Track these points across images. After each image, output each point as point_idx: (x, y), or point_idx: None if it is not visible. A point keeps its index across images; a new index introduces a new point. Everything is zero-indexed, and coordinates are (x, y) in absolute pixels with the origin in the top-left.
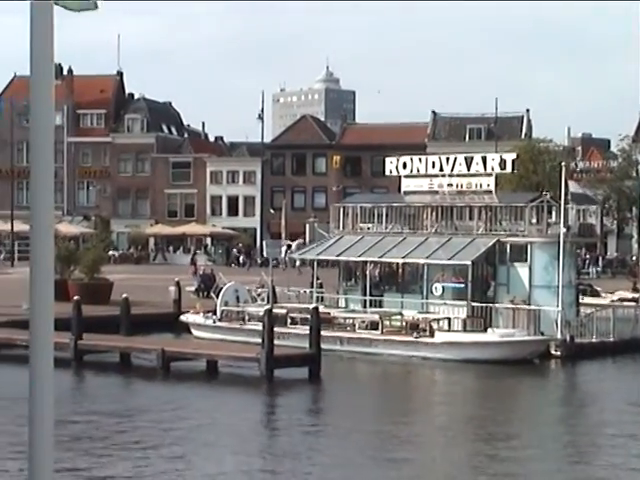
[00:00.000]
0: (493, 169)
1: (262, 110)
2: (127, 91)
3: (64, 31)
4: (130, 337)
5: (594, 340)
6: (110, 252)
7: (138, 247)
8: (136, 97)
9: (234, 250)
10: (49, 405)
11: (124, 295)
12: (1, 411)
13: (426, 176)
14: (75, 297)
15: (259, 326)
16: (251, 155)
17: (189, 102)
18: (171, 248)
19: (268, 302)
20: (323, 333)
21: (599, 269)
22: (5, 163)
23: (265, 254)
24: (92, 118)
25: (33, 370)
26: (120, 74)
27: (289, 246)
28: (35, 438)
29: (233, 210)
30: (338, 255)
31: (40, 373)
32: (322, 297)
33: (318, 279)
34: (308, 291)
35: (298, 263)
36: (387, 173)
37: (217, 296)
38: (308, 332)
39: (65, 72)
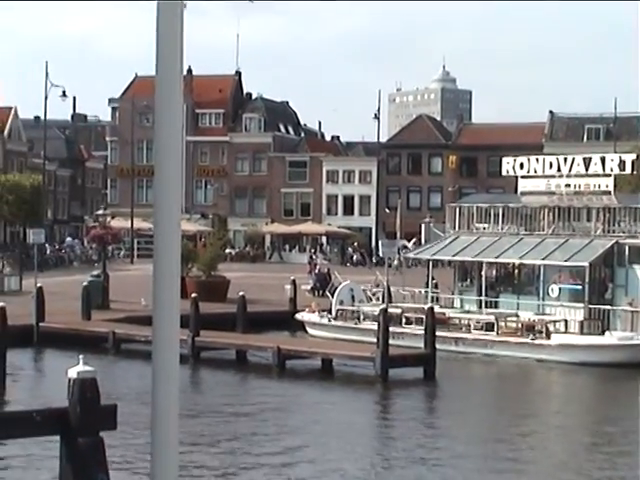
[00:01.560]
0: (612, 170)
1: (378, 110)
2: (245, 91)
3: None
4: (246, 334)
5: None
6: (227, 250)
7: (254, 245)
8: (254, 97)
9: (349, 249)
10: (174, 402)
11: (240, 293)
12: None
13: (543, 177)
14: (193, 294)
15: (374, 325)
16: (367, 155)
17: (306, 102)
18: (287, 247)
19: (383, 302)
20: (438, 333)
21: None
22: (126, 162)
23: (380, 254)
24: (210, 117)
25: (157, 367)
26: (238, 74)
27: (405, 246)
28: (159, 433)
29: (349, 209)
30: (454, 255)
31: (164, 371)
32: (437, 297)
33: (433, 279)
34: (423, 291)
35: (396, 262)
36: (504, 173)
37: (332, 295)
38: (423, 332)
39: (185, 72)
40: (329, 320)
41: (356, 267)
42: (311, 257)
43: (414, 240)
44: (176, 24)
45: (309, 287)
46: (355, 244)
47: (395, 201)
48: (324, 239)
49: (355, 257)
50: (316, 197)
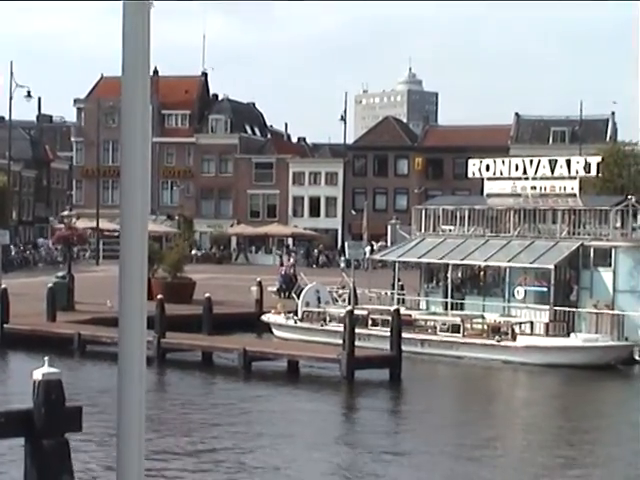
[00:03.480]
0: (577, 172)
1: (345, 111)
2: (211, 92)
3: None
4: (212, 336)
5: None
6: (193, 251)
7: (220, 247)
8: (220, 98)
9: (315, 251)
10: (141, 404)
11: (206, 294)
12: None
13: (509, 179)
14: (158, 296)
15: (340, 327)
16: (333, 156)
17: (272, 103)
18: (253, 248)
19: (349, 303)
20: (404, 335)
21: None
22: (91, 162)
23: (347, 255)
24: (176, 118)
25: (123, 369)
26: (205, 75)
27: (372, 247)
28: (125, 436)
29: (315, 211)
30: (420, 257)
31: (130, 373)
32: (403, 299)
33: (399, 281)
34: (389, 293)
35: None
36: (470, 175)
37: (298, 297)
38: (389, 334)
39: (151, 73)
40: (295, 322)
41: (322, 269)
42: (281, 257)
43: (381, 242)
44: (143, 24)
45: (275, 289)
46: (321, 246)
47: (361, 203)
48: (290, 241)
49: (321, 259)
50: (282, 198)
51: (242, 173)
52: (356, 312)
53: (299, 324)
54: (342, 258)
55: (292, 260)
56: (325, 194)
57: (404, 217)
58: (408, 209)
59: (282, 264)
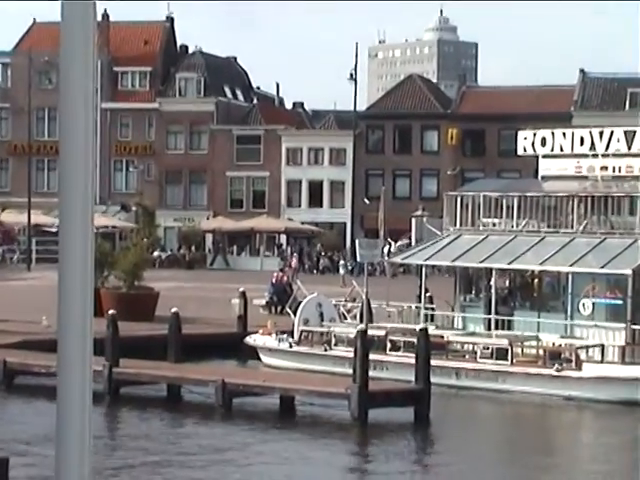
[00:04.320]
0: None
1: (355, 68)
2: (179, 43)
3: None
4: (180, 364)
5: None
6: (155, 253)
7: (191, 247)
8: (191, 50)
9: (315, 251)
10: (85, 454)
11: (173, 309)
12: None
13: (572, 156)
14: (110, 311)
15: (349, 352)
16: (340, 127)
17: (259, 58)
18: (234, 248)
19: (361, 321)
20: (433, 362)
21: None
22: (20, 136)
23: (358, 258)
24: (133, 78)
25: (63, 408)
26: (170, 20)
27: (391, 247)
28: None
29: (316, 200)
30: (454, 260)
31: (72, 413)
32: (432, 315)
33: (427, 291)
34: (414, 307)
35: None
36: (520, 152)
37: (294, 312)
38: (414, 361)
39: (99, 17)
40: (290, 345)
41: (323, 275)
42: (283, 256)
43: (402, 240)
44: None
45: (264, 301)
46: (319, 246)
47: (377, 189)
48: (283, 238)
49: (322, 262)
50: (273, 183)
51: (220, 149)
52: (370, 332)
53: (295, 348)
54: (342, 262)
55: (294, 262)
56: (329, 177)
57: (433, 207)
58: (439, 197)
59: (289, 266)
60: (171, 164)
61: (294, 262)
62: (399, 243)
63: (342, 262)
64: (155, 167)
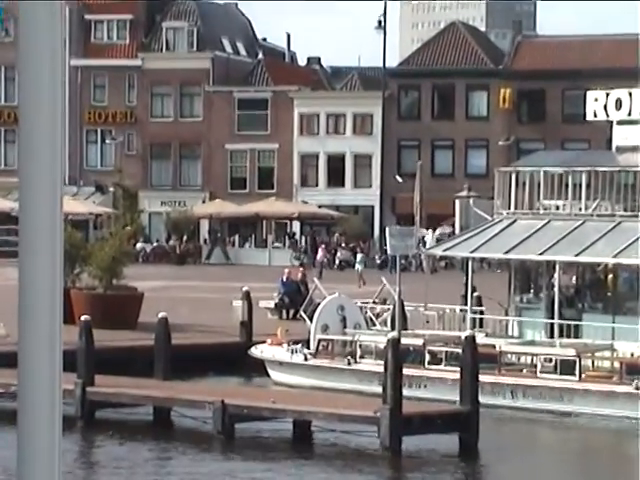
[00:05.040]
0: None
1: (384, 15)
2: None
3: None
4: (170, 382)
5: None
6: (138, 245)
7: (183, 237)
8: None
9: (334, 240)
10: None
11: (161, 314)
12: None
13: None
14: (83, 317)
15: (379, 366)
16: (365, 88)
17: (265, 3)
18: (235, 238)
19: (393, 327)
20: (482, 378)
21: None
22: None
23: (388, 250)
24: (110, 28)
25: (24, 436)
26: None
27: (427, 237)
28: None
29: (336, 178)
30: (507, 252)
31: (36, 441)
32: (481, 320)
33: (474, 291)
34: (458, 310)
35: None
36: (589, 117)
37: (310, 318)
38: (458, 377)
39: None
40: (305, 357)
41: (343, 271)
42: (296, 248)
43: (443, 228)
44: None
45: (272, 303)
46: (336, 235)
47: (412, 164)
48: (296, 226)
49: (340, 254)
50: (283, 157)
51: (217, 116)
52: (405, 341)
53: (312, 361)
54: (360, 255)
55: (320, 255)
56: (353, 150)
57: (482, 186)
58: (488, 173)
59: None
60: (157, 135)
61: (320, 255)
62: (439, 231)
63: (360, 255)
64: (137, 138)
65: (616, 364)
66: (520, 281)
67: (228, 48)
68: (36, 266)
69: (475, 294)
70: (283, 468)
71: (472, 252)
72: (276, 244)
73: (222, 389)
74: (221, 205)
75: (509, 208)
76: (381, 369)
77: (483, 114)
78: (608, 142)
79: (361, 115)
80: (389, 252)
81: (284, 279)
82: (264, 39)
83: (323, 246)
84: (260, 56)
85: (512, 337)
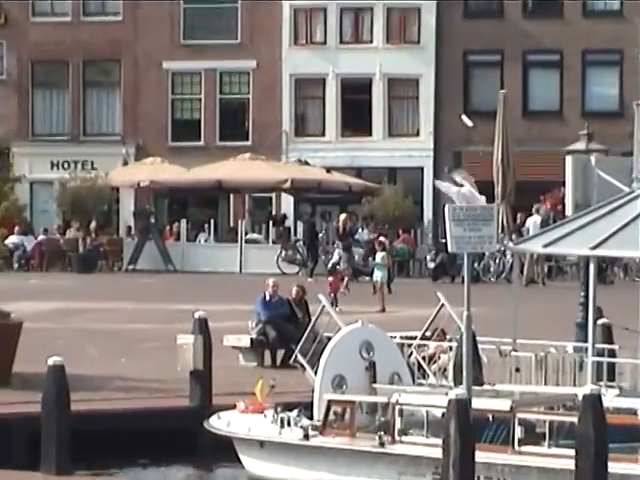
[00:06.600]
0: None
1: None
2: None
3: None
4: (70, 477)
5: None
6: (12, 238)
7: (90, 224)
8: None
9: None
10: None
11: (52, 360)
12: None
13: None
14: None
15: (433, 448)
16: None
17: None
18: (182, 226)
19: (460, 380)
20: (614, 468)
21: None
22: None
23: (449, 245)
24: None
25: None
26: None
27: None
28: None
29: (357, 120)
30: None
31: None
32: (612, 366)
33: (600, 314)
34: (571, 349)
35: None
36: None
37: (313, 364)
38: (572, 465)
39: None
40: (306, 434)
41: (358, 281)
42: (287, 244)
43: (546, 205)
44: None
45: (247, 339)
46: (367, 218)
47: (490, 94)
48: (289, 204)
49: (337, 254)
50: (264, 86)
51: (149, 14)
52: (480, 404)
53: (316, 440)
54: (380, 255)
55: (336, 257)
56: (385, 71)
57: (612, 132)
58: (624, 110)
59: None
60: (44, 46)
61: (335, 257)
62: (536, 215)
63: (380, 254)
64: (9, 53)
65: None
66: None
67: None
68: None
69: (600, 321)
70: None
71: (594, 248)
72: (253, 236)
73: None
74: (157, 169)
75: None
76: (437, 453)
77: (614, 7)
78: None
79: (400, 10)
80: (450, 249)
81: (267, 297)
82: None
83: (338, 241)
84: None
85: None
